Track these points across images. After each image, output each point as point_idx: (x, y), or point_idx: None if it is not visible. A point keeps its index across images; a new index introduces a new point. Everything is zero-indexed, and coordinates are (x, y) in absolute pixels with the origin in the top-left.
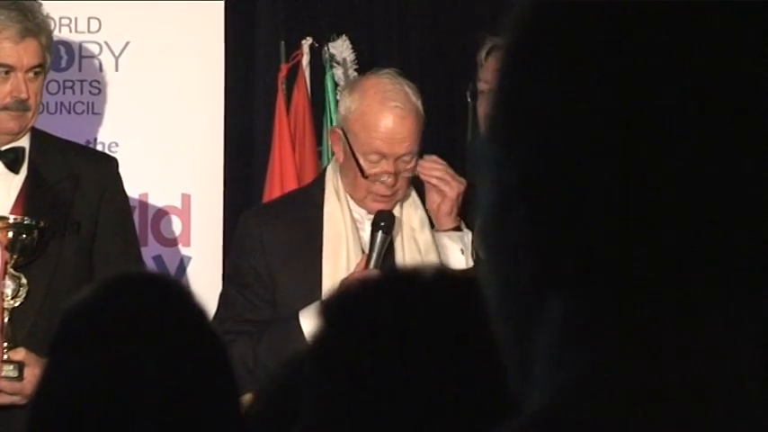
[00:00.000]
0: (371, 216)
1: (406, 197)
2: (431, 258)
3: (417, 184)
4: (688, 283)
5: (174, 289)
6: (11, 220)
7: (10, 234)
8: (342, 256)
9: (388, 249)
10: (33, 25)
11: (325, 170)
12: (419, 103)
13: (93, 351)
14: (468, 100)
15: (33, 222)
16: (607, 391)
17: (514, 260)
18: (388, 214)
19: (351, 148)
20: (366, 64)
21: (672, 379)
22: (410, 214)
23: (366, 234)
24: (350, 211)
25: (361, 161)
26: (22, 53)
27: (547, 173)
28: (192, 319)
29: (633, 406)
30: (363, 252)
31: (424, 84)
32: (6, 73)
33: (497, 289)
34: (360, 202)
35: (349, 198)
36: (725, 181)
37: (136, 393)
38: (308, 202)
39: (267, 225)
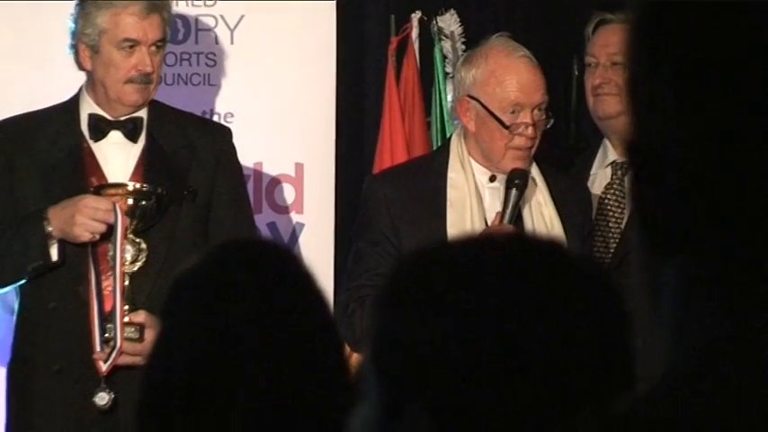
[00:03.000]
0: (492, 183)
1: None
2: (556, 233)
3: (538, 163)
4: None
5: (280, 254)
6: (130, 187)
7: (130, 201)
8: (466, 220)
9: (517, 218)
10: (157, 1)
11: (449, 138)
12: None
13: (202, 316)
14: (575, 73)
15: (152, 189)
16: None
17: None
18: (522, 172)
19: (486, 109)
20: (473, 37)
21: None
22: (534, 189)
23: (487, 200)
24: (473, 176)
25: (501, 117)
26: (147, 28)
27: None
28: (298, 283)
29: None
30: (485, 216)
31: None
32: (131, 47)
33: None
34: (498, 164)
35: (473, 164)
36: None
37: (243, 357)
38: (432, 168)
39: (391, 188)
